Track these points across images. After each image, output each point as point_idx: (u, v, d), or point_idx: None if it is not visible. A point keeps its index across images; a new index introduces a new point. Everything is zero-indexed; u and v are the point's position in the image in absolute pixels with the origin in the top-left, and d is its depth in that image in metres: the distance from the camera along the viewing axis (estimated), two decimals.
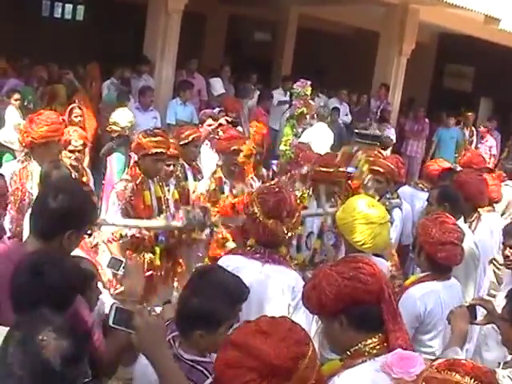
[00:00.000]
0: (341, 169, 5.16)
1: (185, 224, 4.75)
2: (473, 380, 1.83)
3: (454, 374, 1.85)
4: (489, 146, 13.51)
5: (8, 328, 2.32)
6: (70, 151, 5.45)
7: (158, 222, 4.89)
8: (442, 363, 1.92)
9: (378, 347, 2.47)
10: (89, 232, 3.39)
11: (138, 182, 4.93)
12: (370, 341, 2.47)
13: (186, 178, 5.90)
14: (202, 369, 2.57)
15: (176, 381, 2.25)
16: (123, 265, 3.21)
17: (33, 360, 1.89)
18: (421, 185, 6.67)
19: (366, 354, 2.46)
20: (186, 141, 5.96)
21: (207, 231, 5.00)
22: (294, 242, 4.89)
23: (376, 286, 2.47)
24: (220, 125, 7.09)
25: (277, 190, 3.65)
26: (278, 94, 12.09)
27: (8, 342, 1.95)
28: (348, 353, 2.48)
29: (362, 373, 2.43)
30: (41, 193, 3.13)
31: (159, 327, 2.33)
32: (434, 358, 3.11)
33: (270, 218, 3.51)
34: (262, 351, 1.90)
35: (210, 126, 7.04)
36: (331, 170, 5.09)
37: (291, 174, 5.21)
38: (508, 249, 4.73)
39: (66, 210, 2.85)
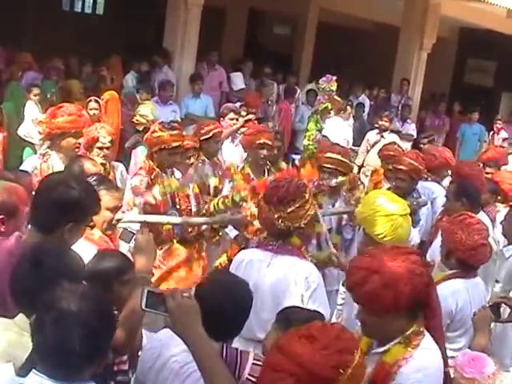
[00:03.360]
0: (340, 158, 5.16)
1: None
2: None
3: None
4: (502, 138, 13.32)
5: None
6: (99, 148, 5.34)
7: (177, 218, 4.89)
8: None
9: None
10: (91, 224, 3.37)
11: (152, 176, 4.92)
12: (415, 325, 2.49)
13: (206, 173, 5.88)
14: None
15: (211, 360, 2.25)
16: (135, 237, 3.09)
17: (77, 330, 1.98)
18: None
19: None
20: (207, 136, 5.95)
21: (232, 233, 5.05)
22: (314, 241, 4.89)
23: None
24: (247, 121, 7.05)
25: (287, 179, 3.72)
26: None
27: (41, 326, 1.99)
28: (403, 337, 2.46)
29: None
30: (41, 185, 3.06)
31: (192, 308, 2.30)
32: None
33: (266, 204, 3.63)
34: (302, 357, 1.88)
35: (231, 119, 6.96)
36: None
37: (319, 184, 5.14)
38: None
39: (65, 203, 2.81)
